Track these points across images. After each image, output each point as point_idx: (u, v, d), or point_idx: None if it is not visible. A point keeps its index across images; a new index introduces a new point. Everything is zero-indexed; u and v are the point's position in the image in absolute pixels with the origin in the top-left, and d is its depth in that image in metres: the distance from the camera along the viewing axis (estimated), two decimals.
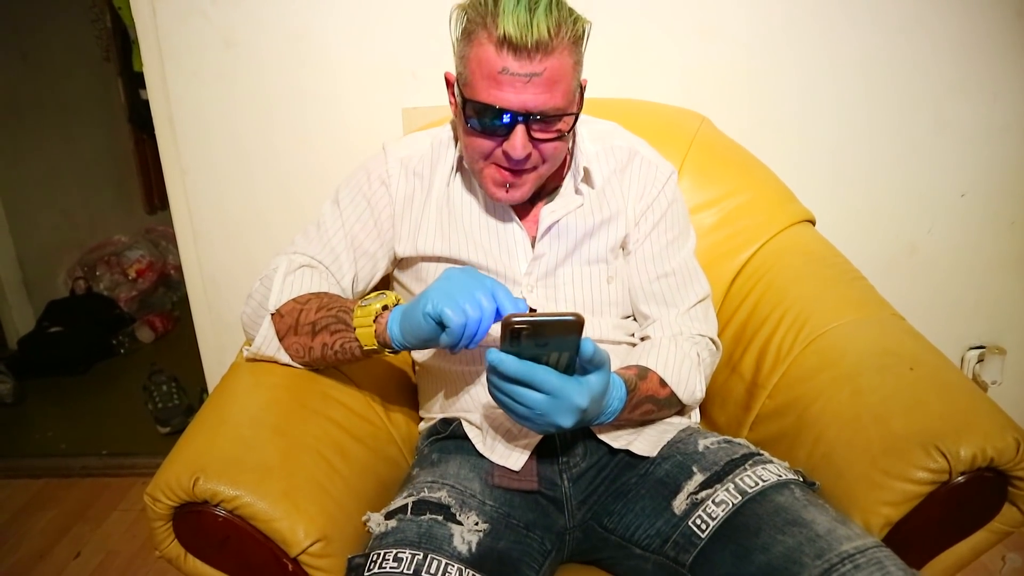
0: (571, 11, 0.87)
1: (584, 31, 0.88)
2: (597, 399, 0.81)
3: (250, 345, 1.01)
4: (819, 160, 1.54)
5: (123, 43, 3.02)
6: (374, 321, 0.88)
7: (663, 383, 0.96)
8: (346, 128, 1.52)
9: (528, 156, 0.90)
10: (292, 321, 0.95)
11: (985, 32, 1.45)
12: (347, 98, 1.51)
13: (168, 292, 3.09)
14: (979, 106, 1.50)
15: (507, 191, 0.95)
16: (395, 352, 0.91)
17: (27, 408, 2.40)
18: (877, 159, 1.54)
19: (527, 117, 0.87)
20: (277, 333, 0.97)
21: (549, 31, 0.82)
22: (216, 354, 1.72)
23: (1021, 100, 1.50)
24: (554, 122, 0.89)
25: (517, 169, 0.92)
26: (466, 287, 0.82)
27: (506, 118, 0.87)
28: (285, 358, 0.98)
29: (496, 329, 0.80)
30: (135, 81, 3.00)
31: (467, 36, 0.87)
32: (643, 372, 0.95)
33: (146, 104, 1.57)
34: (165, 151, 1.57)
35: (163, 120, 1.55)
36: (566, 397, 0.78)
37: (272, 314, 0.97)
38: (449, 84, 0.97)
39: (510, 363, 0.76)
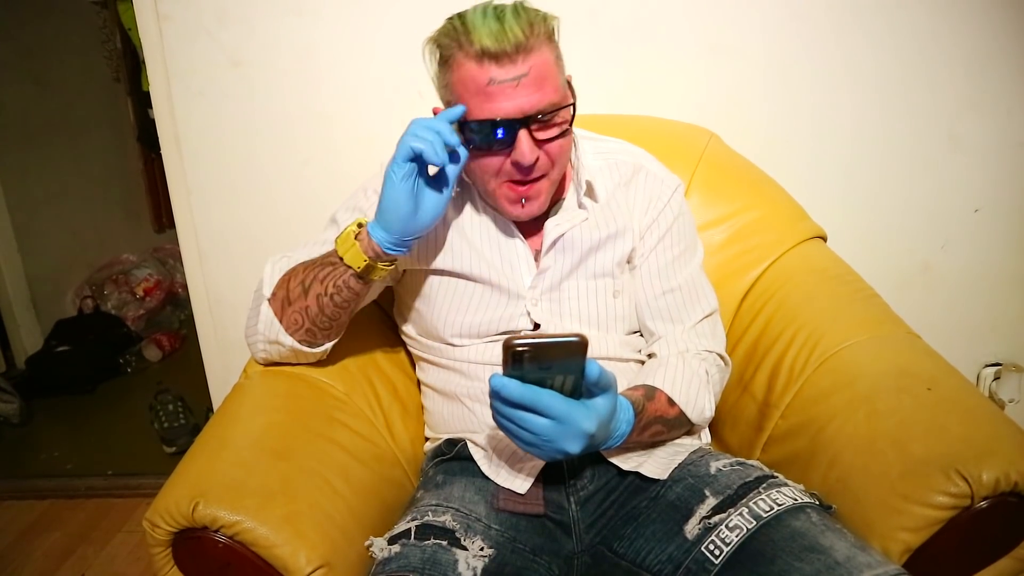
0: (537, 10, 0.88)
1: (554, 27, 0.90)
2: (605, 423, 0.79)
3: (255, 361, 1.02)
4: (831, 177, 1.52)
5: (133, 63, 3.04)
6: (356, 239, 0.90)
7: (671, 402, 0.93)
8: (352, 146, 1.52)
9: (537, 161, 0.90)
10: (284, 293, 0.96)
11: (999, 48, 1.43)
12: (352, 117, 1.50)
13: (175, 311, 3.09)
14: (993, 122, 1.48)
15: (523, 206, 0.94)
16: (389, 264, 0.93)
17: (34, 428, 2.39)
18: (890, 175, 1.52)
19: (527, 121, 0.87)
20: (275, 314, 0.97)
21: (523, 31, 0.84)
22: (221, 373, 1.71)
23: None
24: (554, 118, 0.89)
25: (528, 180, 0.92)
26: (410, 130, 0.87)
27: (504, 130, 0.88)
28: (288, 339, 0.98)
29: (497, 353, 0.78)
30: (144, 101, 3.01)
31: (445, 63, 0.89)
32: (650, 392, 0.92)
33: (155, 124, 1.57)
34: (171, 170, 1.57)
35: (169, 139, 1.55)
36: (573, 422, 0.75)
37: (267, 298, 0.98)
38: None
39: (513, 388, 0.74)
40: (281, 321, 0.97)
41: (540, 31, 0.86)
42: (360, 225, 0.93)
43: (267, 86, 1.49)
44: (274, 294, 0.97)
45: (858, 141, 1.50)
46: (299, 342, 0.98)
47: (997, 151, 1.50)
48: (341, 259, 0.92)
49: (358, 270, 0.92)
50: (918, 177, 1.52)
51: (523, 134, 0.87)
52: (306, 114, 1.51)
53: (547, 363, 0.73)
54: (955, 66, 1.44)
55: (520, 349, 0.71)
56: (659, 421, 0.92)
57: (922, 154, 1.51)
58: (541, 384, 0.75)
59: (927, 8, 1.41)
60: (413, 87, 1.47)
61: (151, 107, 1.57)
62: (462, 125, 0.89)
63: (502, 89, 0.85)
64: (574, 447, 0.77)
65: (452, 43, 0.87)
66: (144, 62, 1.52)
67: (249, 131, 1.53)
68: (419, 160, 0.88)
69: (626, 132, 1.13)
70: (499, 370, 0.74)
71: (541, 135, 0.89)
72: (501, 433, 0.96)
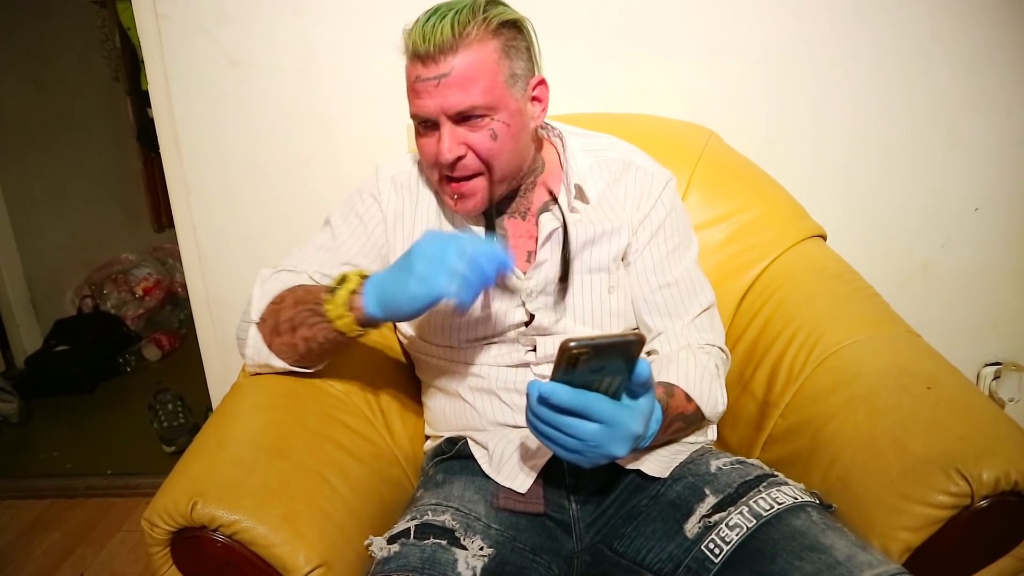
0: (490, 7, 0.88)
1: (512, 24, 0.90)
2: (648, 423, 0.77)
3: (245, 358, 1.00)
4: (831, 175, 1.52)
5: (132, 63, 3.04)
6: (349, 309, 0.87)
7: (688, 398, 0.92)
8: (351, 145, 1.52)
9: (460, 159, 0.91)
10: (273, 323, 0.95)
11: (999, 47, 1.43)
12: (351, 116, 1.50)
13: (175, 310, 3.09)
14: (993, 121, 1.48)
15: (455, 202, 0.95)
16: (378, 327, 0.91)
17: (33, 427, 2.39)
18: (890, 174, 1.52)
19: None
20: (263, 339, 0.96)
21: (454, 30, 0.85)
22: (221, 373, 1.71)
23: None
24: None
25: (457, 176, 0.93)
26: (438, 254, 0.80)
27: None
28: (278, 362, 0.97)
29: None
30: (144, 100, 3.00)
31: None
32: (669, 389, 0.91)
33: (154, 123, 1.57)
34: (170, 169, 1.57)
35: (168, 138, 1.55)
36: (622, 424, 0.73)
37: (256, 323, 0.96)
38: None
39: (563, 394, 0.71)
40: (271, 347, 0.96)
41: (476, 30, 0.86)
42: (354, 292, 0.87)
43: (266, 85, 1.49)
44: (263, 319, 0.96)
45: (858, 140, 1.50)
46: (291, 365, 0.98)
47: (997, 150, 1.50)
48: (331, 320, 0.89)
49: (349, 336, 0.90)
50: (918, 176, 1.52)
51: (445, 132, 0.89)
52: (305, 113, 1.51)
53: (600, 364, 0.70)
54: (955, 65, 1.44)
55: (576, 351, 0.67)
56: (680, 418, 0.91)
57: (922, 153, 1.51)
58: (587, 387, 0.72)
59: (927, 7, 1.41)
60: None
61: (150, 106, 1.57)
62: None
63: (425, 87, 0.88)
64: (622, 450, 0.74)
65: (405, 39, 0.90)
66: (143, 61, 1.52)
67: (248, 130, 1.53)
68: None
69: (626, 131, 1.13)
70: (503, 369, 0.73)
71: (469, 135, 0.90)
72: (502, 432, 0.97)
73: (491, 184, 0.94)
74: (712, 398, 0.95)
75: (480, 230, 1.00)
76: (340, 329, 0.88)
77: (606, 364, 0.70)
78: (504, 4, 0.91)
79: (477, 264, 0.80)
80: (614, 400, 0.73)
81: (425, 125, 0.91)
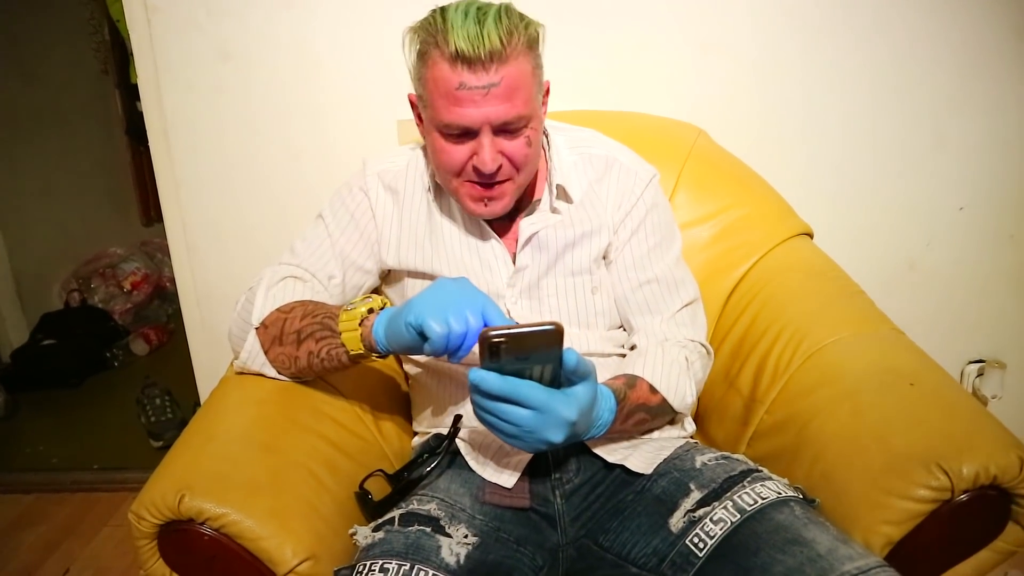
0: (522, 16, 0.87)
1: (538, 34, 0.89)
2: (586, 411, 0.79)
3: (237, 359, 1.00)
4: (818, 174, 1.53)
5: (121, 56, 3.01)
6: (359, 325, 0.87)
7: (653, 390, 0.94)
8: (341, 140, 1.52)
9: (499, 168, 0.90)
10: (277, 331, 0.94)
11: (985, 48, 1.45)
12: (342, 110, 1.50)
13: (163, 305, 3.07)
14: (978, 121, 1.50)
15: (486, 205, 0.94)
16: (382, 357, 0.90)
17: (19, 421, 2.37)
18: (876, 173, 1.53)
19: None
20: (262, 346, 0.96)
21: (501, 40, 0.82)
22: (209, 367, 1.70)
23: (1020, 115, 1.49)
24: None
25: (491, 182, 0.92)
26: (455, 299, 0.80)
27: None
28: (272, 372, 0.97)
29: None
30: (132, 94, 2.99)
31: (422, 58, 0.88)
32: (631, 380, 0.92)
33: (143, 116, 1.57)
34: (159, 163, 1.56)
35: (157, 132, 1.54)
36: (553, 411, 0.75)
37: (256, 328, 0.95)
38: (413, 105, 0.97)
39: (492, 380, 0.73)
40: (268, 354, 0.96)
41: (519, 40, 0.85)
42: (371, 311, 0.88)
43: (257, 79, 1.49)
44: (265, 325, 0.95)
45: (845, 139, 1.51)
46: (283, 377, 0.98)
47: (982, 150, 1.52)
48: (339, 333, 0.89)
49: (351, 353, 0.89)
50: (904, 175, 1.54)
51: (486, 142, 0.87)
52: (297, 107, 1.50)
53: (524, 353, 0.72)
54: (941, 65, 1.45)
55: (496, 340, 0.70)
56: (642, 409, 0.92)
57: (908, 153, 1.52)
58: (520, 375, 0.74)
59: (915, 7, 1.42)
60: (404, 79, 1.46)
61: (139, 100, 1.56)
62: (431, 119, 0.89)
63: (471, 96, 0.84)
64: (557, 436, 0.76)
65: (430, 38, 0.85)
66: (132, 54, 1.51)
67: (239, 124, 1.52)
68: None
69: (614, 128, 1.13)
70: (476, 368, 0.74)
71: (505, 143, 0.89)
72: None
73: (518, 187, 0.95)
74: (680, 390, 0.96)
75: (476, 239, 1.01)
76: (345, 343, 0.88)
77: (531, 353, 0.72)
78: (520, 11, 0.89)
79: (478, 318, 0.79)
80: (548, 388, 0.75)
81: (457, 134, 0.88)
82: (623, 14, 1.43)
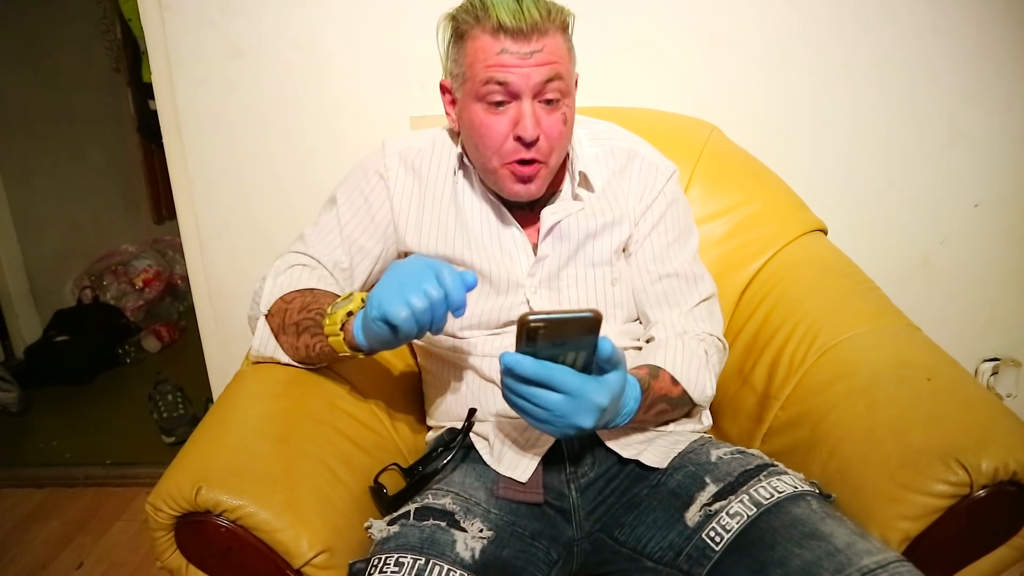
0: (554, 2, 0.90)
1: (570, 21, 0.91)
2: (616, 398, 0.79)
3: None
4: (831, 170, 1.53)
5: (133, 54, 3.04)
6: (341, 329, 0.87)
7: (675, 381, 0.94)
8: (354, 138, 1.52)
9: (537, 139, 0.90)
10: (280, 321, 0.95)
11: (999, 43, 1.44)
12: (355, 108, 1.50)
13: (175, 302, 3.09)
14: (993, 116, 1.49)
15: (525, 184, 0.94)
16: (368, 354, 0.90)
17: (32, 417, 2.39)
18: (890, 169, 1.53)
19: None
20: (272, 332, 0.97)
21: (540, 14, 0.86)
22: (221, 364, 1.71)
23: None
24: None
25: (530, 159, 0.92)
26: (408, 278, 0.79)
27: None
28: (284, 357, 0.98)
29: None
30: (144, 92, 3.02)
31: (460, 37, 0.91)
32: (654, 371, 0.93)
33: (155, 115, 1.57)
34: (172, 161, 1.57)
35: (171, 129, 1.55)
36: (586, 396, 0.75)
37: (265, 315, 0.96)
38: (444, 90, 0.98)
39: (527, 364, 0.74)
40: (278, 339, 0.97)
41: (556, 18, 0.88)
42: (351, 313, 0.87)
43: (270, 76, 1.49)
44: (271, 313, 0.96)
45: (858, 135, 1.50)
46: (295, 363, 0.98)
47: (997, 146, 1.51)
48: (326, 336, 0.88)
49: (340, 355, 0.90)
50: (918, 171, 1.53)
51: (527, 108, 0.89)
52: (310, 104, 1.51)
53: (561, 339, 0.73)
54: (955, 60, 1.45)
55: (535, 325, 0.71)
56: (664, 400, 0.92)
57: (922, 148, 1.51)
58: (553, 361, 0.75)
59: (927, 2, 1.41)
60: (416, 76, 1.47)
61: (151, 98, 1.57)
62: (471, 90, 0.91)
63: (513, 59, 0.87)
64: (587, 421, 0.77)
65: (470, 19, 0.88)
66: (145, 52, 1.52)
67: (252, 121, 1.53)
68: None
69: (628, 124, 1.13)
70: (509, 352, 0.75)
71: (545, 117, 0.90)
72: (503, 422, 0.97)
73: (550, 171, 0.96)
74: (700, 382, 0.96)
75: (499, 225, 1.01)
76: (331, 346, 0.88)
77: (567, 339, 0.73)
78: None
79: (437, 287, 0.78)
80: (581, 374, 0.76)
81: (498, 100, 0.90)
82: (631, 10, 1.43)
